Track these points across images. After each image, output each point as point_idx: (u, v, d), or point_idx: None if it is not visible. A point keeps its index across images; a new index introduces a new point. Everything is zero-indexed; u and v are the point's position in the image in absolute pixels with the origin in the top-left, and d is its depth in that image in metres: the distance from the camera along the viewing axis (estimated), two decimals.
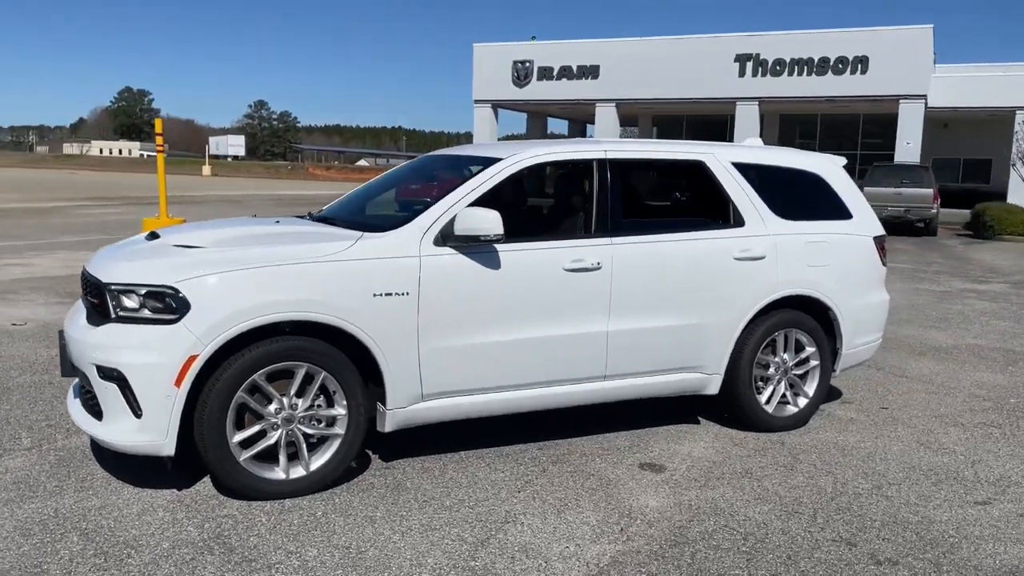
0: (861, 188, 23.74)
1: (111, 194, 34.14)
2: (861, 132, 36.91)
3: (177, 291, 3.83)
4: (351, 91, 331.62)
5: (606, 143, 5.05)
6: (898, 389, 6.65)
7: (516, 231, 4.63)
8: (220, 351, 3.87)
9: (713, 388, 5.24)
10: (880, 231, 5.83)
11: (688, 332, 5.02)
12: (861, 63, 30.47)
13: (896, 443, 5.28)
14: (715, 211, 5.42)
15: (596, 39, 34.73)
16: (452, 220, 4.34)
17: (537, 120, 40.87)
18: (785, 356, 5.43)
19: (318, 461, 4.14)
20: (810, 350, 5.49)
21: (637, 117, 40.17)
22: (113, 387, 3.83)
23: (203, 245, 4.23)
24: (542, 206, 5.54)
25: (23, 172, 56.05)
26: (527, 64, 35.20)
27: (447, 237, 4.34)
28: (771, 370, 5.40)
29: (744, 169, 5.37)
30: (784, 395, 5.47)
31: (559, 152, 4.90)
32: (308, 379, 4.08)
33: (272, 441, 4.04)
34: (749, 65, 32.11)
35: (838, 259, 5.51)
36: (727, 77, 32.37)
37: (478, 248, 4.39)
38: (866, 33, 30.64)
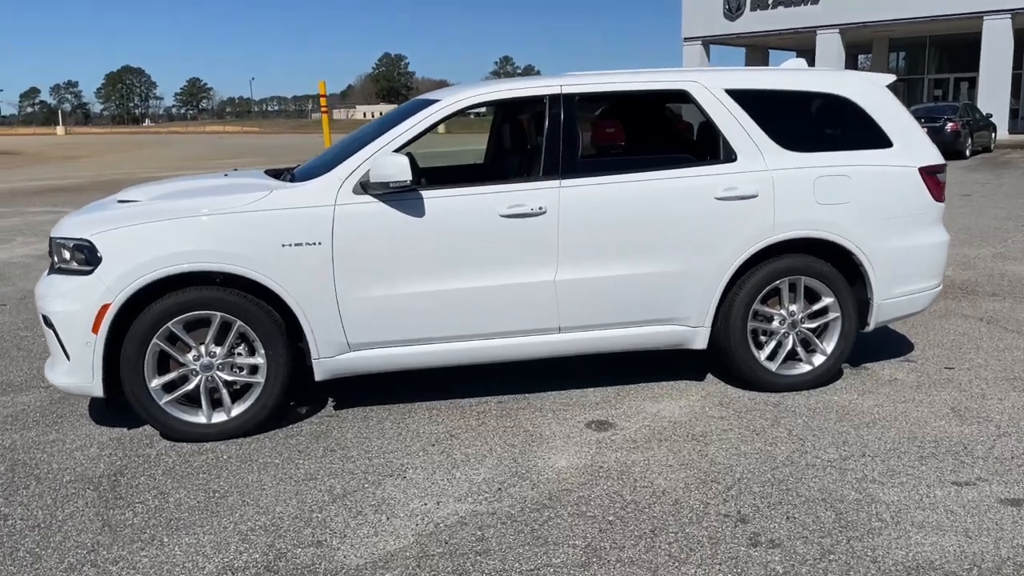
0: None
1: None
2: None
3: (91, 244, 4.10)
4: (583, 38, 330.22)
5: (566, 78, 4.67)
6: (992, 347, 5.65)
7: (453, 177, 4.43)
8: (137, 299, 4.10)
9: (699, 343, 4.75)
10: (933, 160, 4.92)
11: (658, 281, 4.58)
12: None
13: (921, 410, 4.50)
14: (701, 146, 4.88)
15: None
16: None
17: (757, 54, 38.48)
18: (793, 308, 4.79)
19: (240, 407, 4.29)
20: (827, 300, 4.80)
21: (871, 43, 36.55)
22: (51, 332, 4.20)
23: (139, 199, 4.48)
24: (486, 149, 5.27)
25: (272, 138, 61.94)
26: None
27: (367, 186, 4.27)
28: (775, 323, 4.80)
29: (742, 97, 4.74)
30: (794, 351, 4.84)
31: (504, 91, 4.60)
32: (226, 328, 4.22)
33: (192, 386, 4.23)
34: None
35: (864, 194, 4.73)
36: None
37: (399, 196, 4.28)
38: None
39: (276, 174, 4.94)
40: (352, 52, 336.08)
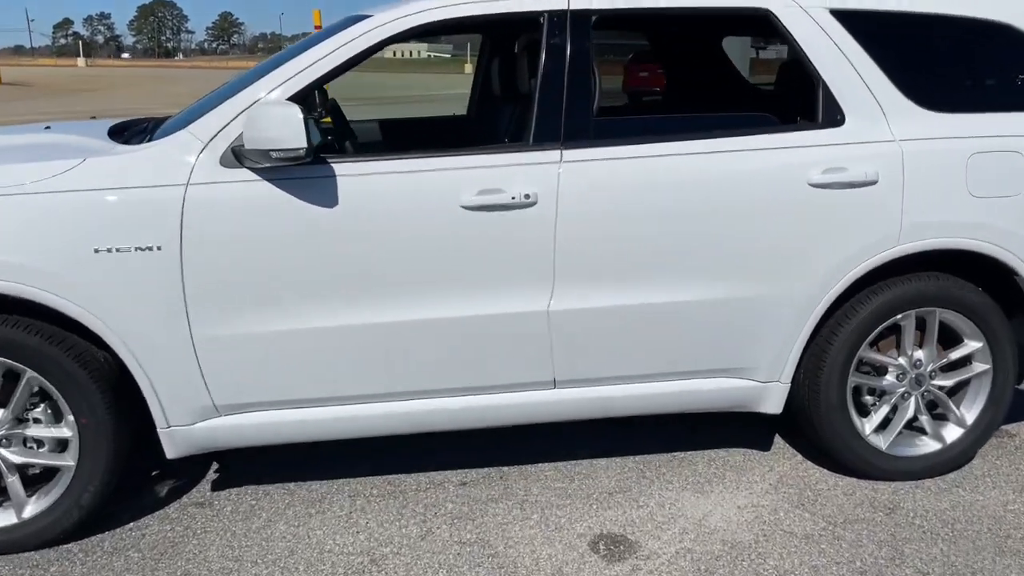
0: None
1: None
2: None
3: None
4: None
5: None
6: None
7: (408, 138, 2.77)
8: None
9: (771, 405, 3.08)
10: None
11: (710, 314, 2.90)
12: None
13: None
14: (788, 99, 3.14)
15: None
16: None
17: None
18: (920, 354, 3.10)
19: (39, 504, 2.72)
20: (974, 345, 3.10)
21: None
22: None
23: None
24: (469, 98, 3.55)
25: None
26: None
27: (241, 154, 2.60)
28: (889, 378, 3.11)
29: (855, 21, 2.98)
30: (916, 420, 3.16)
31: (472, 3, 2.86)
32: (12, 381, 2.62)
33: None
34: None
35: None
36: None
37: (294, 172, 2.61)
38: None
39: (122, 129, 3.26)
40: None
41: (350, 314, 2.70)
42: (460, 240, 2.71)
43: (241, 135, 2.58)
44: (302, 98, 2.68)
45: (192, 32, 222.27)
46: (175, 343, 2.64)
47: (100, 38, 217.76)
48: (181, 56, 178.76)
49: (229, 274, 2.61)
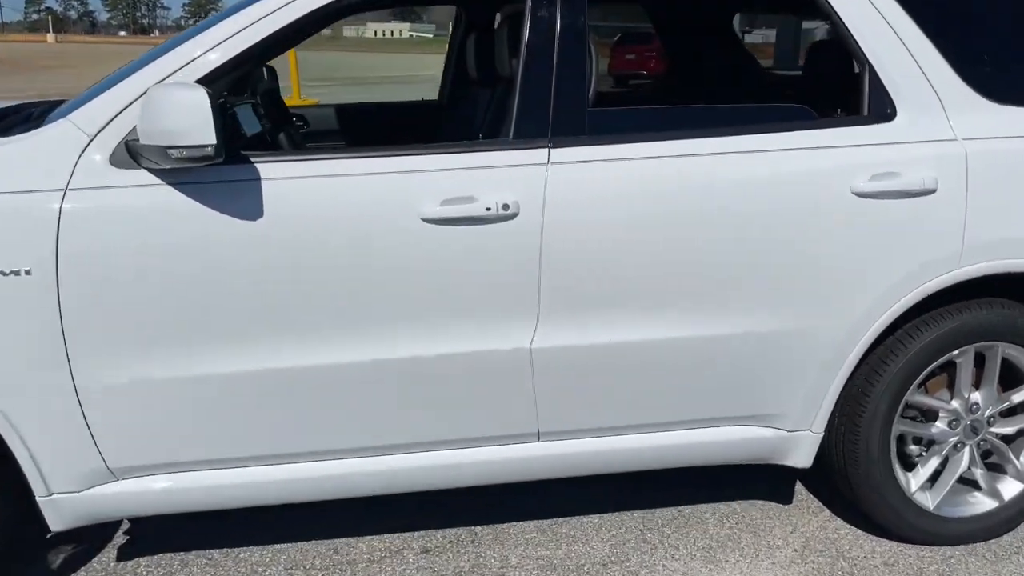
0: None
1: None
2: None
3: None
4: None
5: None
6: None
7: (338, 133, 2.19)
8: None
9: (800, 457, 2.55)
10: None
11: (728, 351, 2.36)
12: None
13: None
14: (827, 88, 2.60)
15: None
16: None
17: None
18: (976, 397, 2.58)
19: None
20: None
21: None
22: None
23: None
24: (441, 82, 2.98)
25: None
26: None
27: (136, 151, 2.01)
28: (939, 426, 2.59)
29: None
30: (970, 472, 2.65)
31: None
32: None
33: None
34: None
35: None
36: None
37: (206, 174, 2.04)
38: None
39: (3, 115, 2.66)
40: None
41: (279, 355, 2.13)
42: (420, 262, 2.14)
43: (135, 129, 2.00)
44: (220, 78, 2.11)
45: (168, 8, 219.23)
46: (53, 392, 2.06)
47: (73, 14, 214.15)
48: (157, 33, 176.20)
49: (120, 305, 2.03)
